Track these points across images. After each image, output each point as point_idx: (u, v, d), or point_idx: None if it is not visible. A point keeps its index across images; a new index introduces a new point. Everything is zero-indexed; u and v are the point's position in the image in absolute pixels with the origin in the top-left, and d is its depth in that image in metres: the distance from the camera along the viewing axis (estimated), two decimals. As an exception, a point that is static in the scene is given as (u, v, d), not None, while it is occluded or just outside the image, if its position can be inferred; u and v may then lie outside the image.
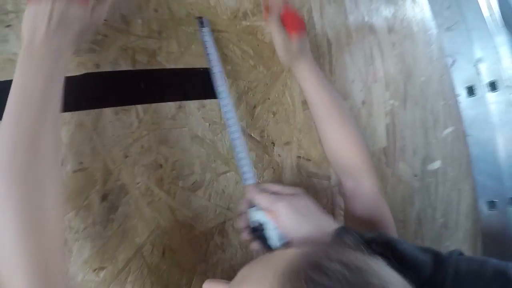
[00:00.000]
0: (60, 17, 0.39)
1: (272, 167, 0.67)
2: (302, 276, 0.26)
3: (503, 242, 0.79)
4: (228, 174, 0.61)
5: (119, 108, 0.49)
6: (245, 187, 0.52)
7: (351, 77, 0.85)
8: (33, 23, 0.39)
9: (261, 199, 0.48)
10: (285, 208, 0.46)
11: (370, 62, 0.90)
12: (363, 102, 0.87)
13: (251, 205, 0.50)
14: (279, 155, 0.68)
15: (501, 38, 0.69)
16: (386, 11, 0.94)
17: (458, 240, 1.22)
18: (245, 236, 0.52)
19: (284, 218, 0.45)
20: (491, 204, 0.76)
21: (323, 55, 0.79)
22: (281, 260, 0.29)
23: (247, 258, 0.62)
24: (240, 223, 0.52)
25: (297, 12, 0.64)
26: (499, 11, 0.85)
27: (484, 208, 0.77)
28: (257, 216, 0.49)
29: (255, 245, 0.51)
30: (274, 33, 0.61)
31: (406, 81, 0.98)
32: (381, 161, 0.91)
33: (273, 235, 0.47)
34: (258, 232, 0.49)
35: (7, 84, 0.42)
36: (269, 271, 0.28)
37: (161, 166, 0.53)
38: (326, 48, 0.80)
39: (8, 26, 0.45)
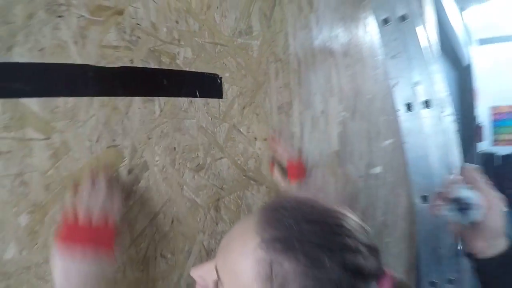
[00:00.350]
0: (95, 281, 0.48)
1: (254, 158, 0.81)
2: (272, 215, 0.40)
3: (434, 231, 1.00)
4: (222, 160, 0.74)
5: (146, 98, 0.61)
6: (465, 167, 0.62)
7: (314, 90, 1.03)
8: (67, 278, 0.47)
9: (487, 185, 0.57)
10: (500, 206, 0.56)
11: (328, 80, 1.08)
12: (322, 112, 1.05)
13: (462, 183, 0.59)
14: (259, 148, 0.83)
15: (435, 67, 0.91)
16: (343, 38, 1.14)
17: (397, 239, 1.45)
18: (438, 206, 0.61)
19: (495, 212, 0.55)
20: (424, 198, 0.97)
21: (294, 71, 0.96)
22: (255, 213, 0.43)
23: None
24: (442, 194, 0.61)
25: (301, 160, 0.85)
26: (438, 44, 1.07)
27: (418, 201, 0.98)
28: (470, 194, 0.57)
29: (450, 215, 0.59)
30: (277, 181, 0.84)
31: (356, 97, 1.19)
32: (334, 161, 1.09)
33: (474, 215, 0.56)
34: (458, 206, 0.57)
35: (57, 67, 0.52)
36: (249, 223, 0.41)
37: (174, 149, 0.65)
38: (297, 65, 0.97)
39: (60, 16, 0.53)
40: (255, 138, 0.82)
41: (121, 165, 0.58)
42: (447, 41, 5.71)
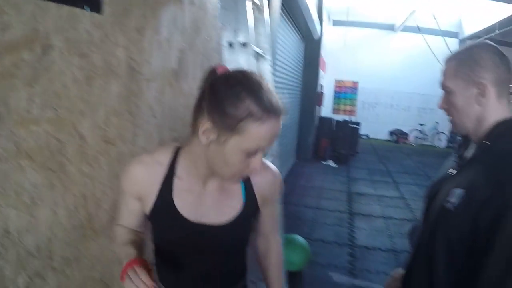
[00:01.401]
0: None
1: (116, 58, 1.30)
2: None
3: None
4: (96, 54, 1.20)
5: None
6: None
7: (163, 22, 1.55)
8: None
9: None
10: None
11: (175, 18, 1.62)
12: (167, 39, 1.59)
13: None
14: (120, 52, 1.32)
15: (250, 20, 1.56)
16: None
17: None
18: None
19: None
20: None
21: (151, 5, 1.45)
22: None
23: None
24: None
25: None
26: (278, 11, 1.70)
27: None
28: None
29: None
30: None
31: (195, 36, 1.76)
32: (172, 76, 1.64)
33: None
34: None
35: None
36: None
37: (77, 39, 1.09)
38: (154, 2, 1.46)
39: None
40: (117, 44, 1.30)
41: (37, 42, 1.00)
42: (300, 15, 6.84)
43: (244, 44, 1.62)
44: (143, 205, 1.09)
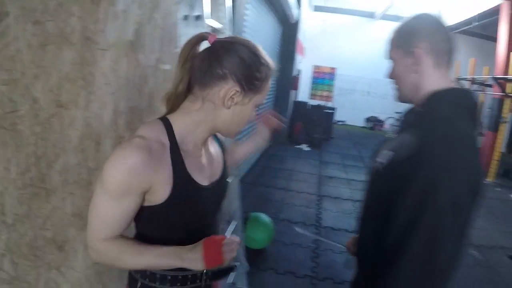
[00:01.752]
0: None
1: (71, 28, 1.38)
2: None
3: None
4: (51, 22, 1.28)
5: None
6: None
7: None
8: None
9: None
10: None
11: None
12: (123, 11, 1.66)
13: None
14: (77, 19, 1.39)
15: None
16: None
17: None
18: None
19: None
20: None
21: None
22: None
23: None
24: None
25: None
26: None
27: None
28: None
29: None
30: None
31: (154, 9, 1.84)
32: (128, 47, 1.72)
33: None
34: None
35: None
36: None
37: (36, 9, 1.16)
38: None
39: None
40: (71, 13, 1.37)
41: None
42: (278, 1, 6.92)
43: (197, 17, 1.71)
44: (152, 196, 1.05)
